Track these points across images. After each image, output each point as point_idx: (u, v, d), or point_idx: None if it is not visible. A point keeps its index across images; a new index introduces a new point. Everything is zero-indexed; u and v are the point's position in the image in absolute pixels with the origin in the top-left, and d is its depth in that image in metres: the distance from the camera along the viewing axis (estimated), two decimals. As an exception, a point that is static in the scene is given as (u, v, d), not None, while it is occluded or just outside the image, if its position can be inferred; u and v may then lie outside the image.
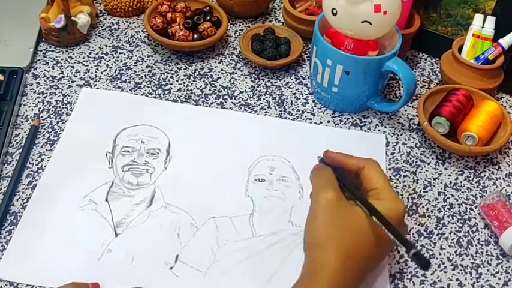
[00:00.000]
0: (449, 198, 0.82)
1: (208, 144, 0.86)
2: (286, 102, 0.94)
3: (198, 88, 0.95)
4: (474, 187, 0.84)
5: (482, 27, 0.94)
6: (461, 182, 0.85)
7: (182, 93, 0.93)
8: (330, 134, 0.90)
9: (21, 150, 0.81)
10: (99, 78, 0.94)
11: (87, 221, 0.75)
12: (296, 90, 0.96)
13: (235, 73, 0.98)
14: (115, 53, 0.99)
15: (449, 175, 0.85)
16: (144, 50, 1.01)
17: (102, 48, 1.00)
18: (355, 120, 0.92)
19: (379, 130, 0.91)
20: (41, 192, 0.77)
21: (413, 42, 1.02)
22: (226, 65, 1.00)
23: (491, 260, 0.76)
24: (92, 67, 0.96)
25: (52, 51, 0.99)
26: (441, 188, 0.83)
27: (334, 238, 0.62)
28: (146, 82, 0.95)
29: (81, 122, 0.87)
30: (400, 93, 0.98)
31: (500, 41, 0.92)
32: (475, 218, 0.80)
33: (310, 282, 0.61)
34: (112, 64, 0.97)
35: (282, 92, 0.96)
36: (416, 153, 0.88)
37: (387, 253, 0.70)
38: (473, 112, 0.88)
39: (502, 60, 0.93)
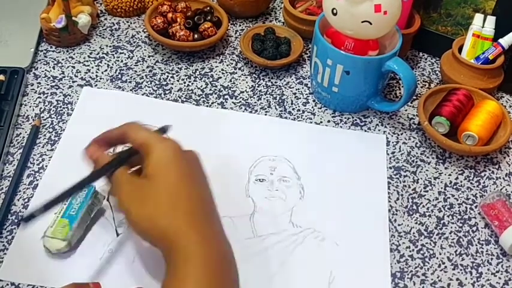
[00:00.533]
0: (449, 197, 0.82)
1: (209, 144, 0.86)
2: (287, 102, 0.94)
3: (198, 88, 0.95)
4: (474, 187, 0.84)
5: (483, 27, 0.95)
6: (461, 181, 0.85)
7: (183, 93, 0.93)
8: (330, 134, 0.90)
9: (22, 150, 0.82)
10: (100, 78, 0.94)
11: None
12: (296, 90, 0.96)
13: (236, 73, 0.98)
14: (116, 53, 1.00)
15: (450, 175, 0.85)
16: (145, 50, 1.01)
17: (102, 48, 1.00)
18: (356, 120, 0.92)
19: (379, 130, 0.91)
20: (42, 192, 0.77)
21: (413, 42, 1.02)
22: (227, 65, 1.00)
23: (492, 259, 0.76)
24: (92, 67, 0.96)
25: (53, 51, 0.99)
26: (441, 188, 0.84)
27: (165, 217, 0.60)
28: (147, 82, 0.95)
29: (82, 121, 0.87)
30: (400, 93, 0.98)
31: (500, 40, 0.92)
32: (475, 217, 0.80)
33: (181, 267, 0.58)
34: (113, 64, 0.97)
35: (283, 91, 0.96)
36: (417, 153, 0.88)
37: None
38: (473, 112, 0.88)
39: (502, 59, 0.93)
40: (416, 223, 0.79)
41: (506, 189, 0.84)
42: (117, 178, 0.64)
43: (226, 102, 0.93)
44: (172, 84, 0.95)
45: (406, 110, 0.95)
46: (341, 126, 0.91)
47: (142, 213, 0.60)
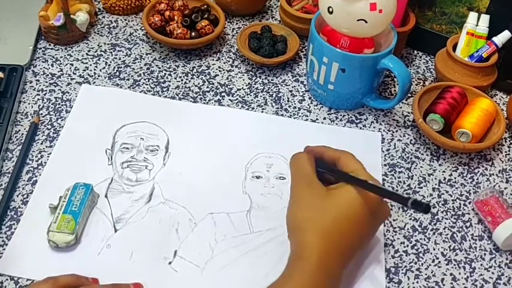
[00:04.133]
0: (443, 194, 0.83)
1: (206, 141, 0.87)
2: (283, 100, 0.95)
3: (195, 85, 0.95)
4: (468, 183, 0.85)
5: (477, 25, 0.95)
6: (455, 178, 0.86)
7: (180, 91, 0.94)
8: (326, 131, 0.91)
9: (21, 146, 0.82)
10: (98, 76, 0.95)
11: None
12: (292, 87, 0.97)
13: (233, 70, 0.99)
14: (114, 51, 1.00)
15: (444, 171, 0.86)
16: (143, 47, 1.02)
17: (100, 46, 1.01)
18: (351, 117, 0.93)
19: (374, 127, 0.92)
20: (41, 188, 0.78)
21: (408, 40, 1.03)
22: (224, 63, 1.00)
23: (485, 254, 0.77)
24: (90, 65, 0.97)
25: (51, 49, 0.99)
26: (435, 184, 0.85)
27: (311, 220, 0.66)
28: (144, 79, 0.95)
29: (80, 118, 0.88)
30: (395, 90, 0.99)
31: (494, 39, 0.93)
32: (468, 213, 0.81)
33: (297, 265, 0.64)
34: (111, 62, 0.98)
35: (279, 89, 0.97)
36: (411, 150, 0.89)
37: (372, 230, 0.71)
38: (467, 109, 0.89)
39: (495, 58, 0.94)
40: (410, 219, 0.80)
41: (499, 186, 0.85)
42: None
43: (223, 99, 0.94)
44: (169, 81, 0.96)
45: (401, 108, 0.95)
46: (337, 124, 0.92)
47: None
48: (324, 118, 0.92)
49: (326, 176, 0.72)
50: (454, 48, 0.97)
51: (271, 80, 0.98)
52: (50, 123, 0.87)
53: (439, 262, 0.75)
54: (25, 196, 0.77)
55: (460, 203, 0.82)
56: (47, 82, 0.93)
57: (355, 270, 0.72)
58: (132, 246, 0.73)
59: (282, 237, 0.75)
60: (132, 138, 0.85)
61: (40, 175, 0.80)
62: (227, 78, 0.97)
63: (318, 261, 0.63)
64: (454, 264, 0.75)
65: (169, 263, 0.72)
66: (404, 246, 0.76)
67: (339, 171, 0.70)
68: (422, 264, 0.75)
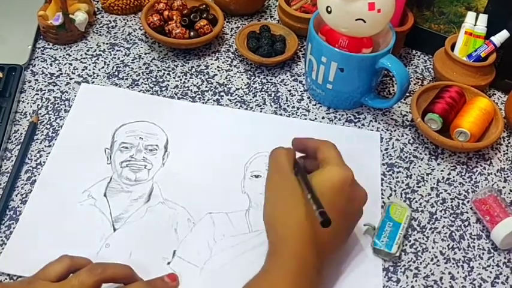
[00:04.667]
0: (441, 193, 0.84)
1: (205, 141, 0.87)
2: (282, 99, 0.95)
3: (194, 85, 0.96)
4: (466, 182, 0.85)
5: (475, 25, 0.96)
6: (453, 177, 0.86)
7: (179, 90, 0.94)
8: (325, 130, 0.91)
9: (20, 146, 0.82)
10: (97, 75, 0.95)
11: (86, 216, 0.76)
12: (291, 87, 0.97)
13: (231, 70, 0.99)
14: (112, 51, 1.00)
15: (442, 170, 0.87)
16: (141, 47, 1.02)
17: (99, 46, 1.01)
18: (350, 117, 0.93)
19: (373, 126, 0.92)
20: (41, 188, 0.78)
21: (406, 40, 1.03)
22: (223, 62, 1.01)
23: (483, 253, 0.77)
24: (89, 64, 0.97)
25: (50, 48, 0.99)
26: (434, 183, 0.85)
27: (282, 216, 0.66)
28: (143, 79, 0.95)
29: (80, 117, 0.88)
30: (393, 90, 0.99)
31: (492, 38, 0.93)
32: (467, 212, 0.82)
33: (272, 262, 0.64)
34: (109, 61, 0.98)
35: (278, 88, 0.97)
36: (410, 149, 0.89)
37: (349, 220, 0.70)
38: (465, 108, 0.89)
39: (494, 57, 0.94)
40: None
41: (497, 185, 0.86)
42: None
43: (222, 99, 0.94)
44: (168, 81, 0.96)
45: (399, 107, 0.96)
46: (335, 123, 0.92)
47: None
48: (323, 117, 0.93)
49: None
50: (453, 47, 0.97)
51: (270, 79, 0.98)
52: (48, 122, 0.87)
53: (438, 261, 0.76)
54: (24, 196, 0.77)
55: (458, 202, 0.83)
56: (45, 82, 0.93)
57: (349, 268, 0.73)
58: (131, 245, 0.73)
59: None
60: (131, 138, 0.85)
61: (39, 175, 0.80)
62: (226, 78, 0.97)
63: (292, 253, 0.63)
64: (453, 263, 0.76)
65: (168, 263, 0.72)
66: (403, 245, 0.76)
67: (296, 165, 0.70)
68: (420, 263, 0.75)
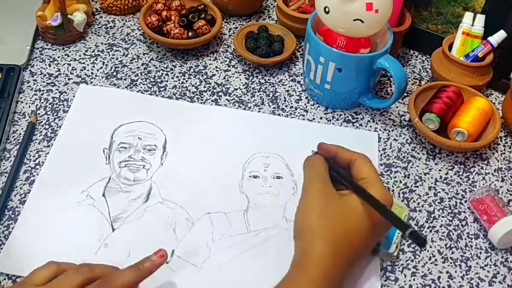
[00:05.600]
0: (439, 192, 0.84)
1: (203, 141, 0.87)
2: (280, 99, 0.95)
3: (193, 85, 0.96)
4: (464, 182, 0.86)
5: (472, 25, 0.96)
6: (451, 176, 0.86)
7: (177, 90, 0.94)
8: (323, 130, 0.91)
9: (19, 146, 0.83)
10: (96, 76, 0.95)
11: (85, 216, 0.76)
12: (289, 87, 0.98)
13: (230, 70, 0.99)
14: (111, 51, 1.00)
15: (440, 170, 0.87)
16: (140, 47, 1.02)
17: (98, 46, 1.01)
18: (348, 117, 0.93)
19: (370, 126, 0.92)
20: (39, 188, 0.78)
21: (404, 40, 1.04)
22: (221, 63, 1.01)
23: (481, 253, 0.77)
24: (88, 64, 0.97)
25: (49, 48, 1.00)
26: (432, 183, 0.85)
27: (323, 227, 0.64)
28: (142, 79, 0.96)
29: (78, 118, 0.88)
30: (391, 90, 1.00)
31: (490, 38, 0.93)
32: (464, 212, 0.82)
33: (301, 270, 0.63)
34: (108, 62, 0.98)
35: (276, 89, 0.97)
36: (407, 149, 0.89)
37: (375, 241, 0.72)
38: (463, 108, 0.89)
39: (491, 57, 0.94)
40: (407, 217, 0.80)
41: (495, 185, 0.86)
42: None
43: (220, 99, 0.94)
44: (166, 81, 0.96)
45: (397, 107, 0.96)
46: (333, 123, 0.92)
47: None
48: (321, 118, 0.93)
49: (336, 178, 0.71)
50: (450, 48, 0.97)
51: (268, 79, 0.98)
52: (47, 123, 0.87)
53: (436, 260, 0.76)
54: (23, 196, 0.77)
55: (456, 202, 0.83)
56: (44, 82, 0.93)
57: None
58: (130, 245, 0.73)
59: (279, 236, 0.76)
60: (130, 138, 0.85)
61: (38, 175, 0.80)
62: (224, 78, 0.98)
63: (324, 271, 0.62)
64: (450, 262, 0.76)
65: (167, 262, 0.72)
66: (401, 244, 0.77)
67: (351, 181, 0.69)
68: (418, 262, 0.75)
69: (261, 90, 0.96)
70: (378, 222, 0.66)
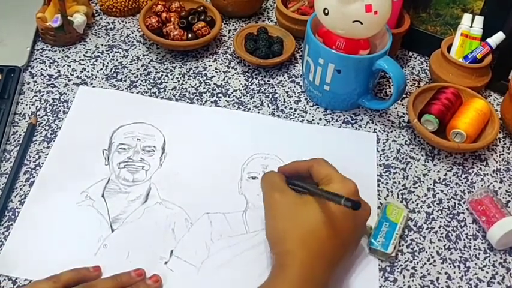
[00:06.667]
0: (438, 193, 0.84)
1: (202, 142, 0.87)
2: (279, 100, 0.95)
3: (192, 86, 0.96)
4: (462, 183, 0.86)
5: (471, 26, 0.96)
6: (450, 178, 0.86)
7: (177, 92, 0.95)
8: (322, 132, 0.91)
9: (19, 147, 0.83)
10: (95, 77, 0.95)
11: (84, 217, 0.76)
12: (289, 88, 0.98)
13: (229, 72, 1.00)
14: (111, 52, 1.01)
15: (438, 171, 0.87)
16: (140, 49, 1.02)
17: (98, 48, 1.01)
18: (347, 118, 0.94)
19: (369, 127, 0.92)
20: (39, 189, 0.78)
21: (403, 42, 1.04)
22: (220, 64, 1.01)
23: (479, 254, 0.77)
24: (88, 66, 0.98)
25: (49, 50, 1.00)
26: (430, 184, 0.85)
27: (289, 230, 0.66)
28: (141, 81, 0.96)
29: (78, 119, 0.88)
30: (390, 91, 1.00)
31: (488, 40, 0.93)
32: (463, 213, 0.82)
33: (279, 274, 0.64)
34: (108, 63, 0.98)
35: (275, 90, 0.97)
36: (406, 150, 0.89)
37: (354, 232, 0.70)
38: (461, 110, 0.89)
39: (490, 59, 0.95)
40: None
41: (493, 186, 0.86)
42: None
43: (220, 100, 0.94)
44: (166, 82, 0.96)
45: (396, 108, 0.96)
46: (332, 124, 0.93)
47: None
48: (320, 119, 0.93)
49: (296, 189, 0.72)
50: (449, 49, 0.98)
51: (268, 81, 0.99)
52: (47, 124, 0.87)
53: (434, 261, 0.76)
54: (23, 197, 0.77)
55: (454, 203, 0.83)
56: (44, 83, 0.94)
57: (346, 268, 0.73)
58: (129, 246, 0.74)
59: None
60: (129, 139, 0.85)
61: (37, 176, 0.80)
62: (223, 80, 0.98)
63: (300, 269, 0.63)
64: (449, 263, 0.76)
65: (166, 262, 0.72)
66: (400, 245, 0.77)
67: (303, 185, 0.70)
68: (417, 262, 0.75)
69: (261, 91, 0.96)
70: (341, 215, 0.66)
